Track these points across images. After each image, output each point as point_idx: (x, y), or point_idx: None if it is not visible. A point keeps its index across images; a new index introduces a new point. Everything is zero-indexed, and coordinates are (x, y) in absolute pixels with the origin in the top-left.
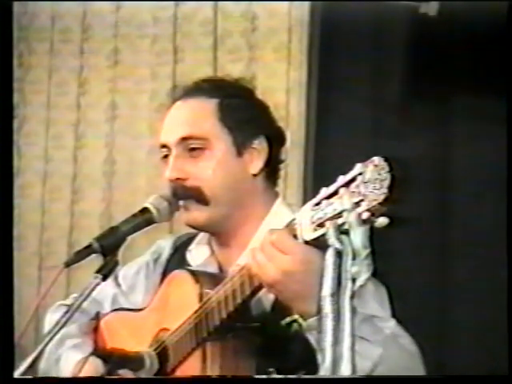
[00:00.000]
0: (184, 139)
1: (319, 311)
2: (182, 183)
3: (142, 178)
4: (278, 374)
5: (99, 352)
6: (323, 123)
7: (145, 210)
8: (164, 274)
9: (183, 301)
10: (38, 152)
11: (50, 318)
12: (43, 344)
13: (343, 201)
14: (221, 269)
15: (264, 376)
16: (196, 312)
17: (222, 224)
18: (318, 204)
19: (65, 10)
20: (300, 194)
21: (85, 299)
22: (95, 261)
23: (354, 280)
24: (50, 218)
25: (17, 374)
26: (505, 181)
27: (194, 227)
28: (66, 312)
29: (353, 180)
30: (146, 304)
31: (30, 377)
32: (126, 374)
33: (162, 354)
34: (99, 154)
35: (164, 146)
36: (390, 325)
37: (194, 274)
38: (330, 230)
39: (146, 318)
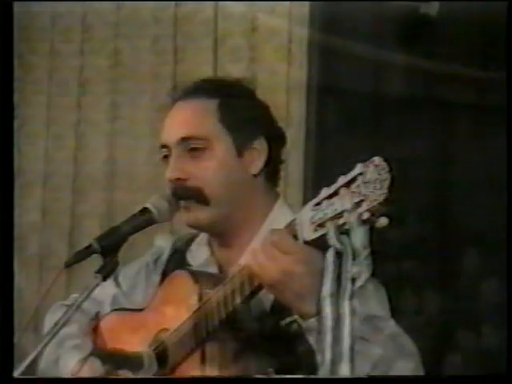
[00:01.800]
0: (184, 139)
1: (319, 311)
2: (183, 183)
3: (143, 179)
4: (277, 374)
5: (98, 352)
6: (323, 123)
7: (145, 210)
8: (164, 274)
9: (183, 301)
10: (39, 152)
11: (50, 319)
12: (43, 344)
13: (344, 201)
14: (221, 269)
15: (263, 376)
16: (196, 312)
17: (222, 224)
18: (318, 204)
19: (65, 9)
20: (300, 194)
21: (85, 299)
22: (95, 261)
23: (353, 280)
24: (50, 218)
25: (16, 373)
26: (505, 181)
27: (194, 227)
28: (66, 312)
29: (353, 180)
30: (145, 304)
31: (29, 377)
32: (125, 374)
33: (162, 354)
34: (100, 154)
35: (164, 146)
36: (390, 325)
37: (193, 274)
38: (330, 230)
39: (145, 318)
